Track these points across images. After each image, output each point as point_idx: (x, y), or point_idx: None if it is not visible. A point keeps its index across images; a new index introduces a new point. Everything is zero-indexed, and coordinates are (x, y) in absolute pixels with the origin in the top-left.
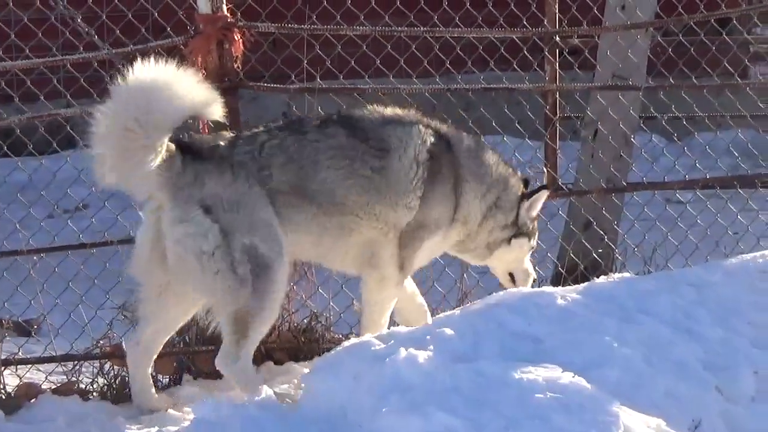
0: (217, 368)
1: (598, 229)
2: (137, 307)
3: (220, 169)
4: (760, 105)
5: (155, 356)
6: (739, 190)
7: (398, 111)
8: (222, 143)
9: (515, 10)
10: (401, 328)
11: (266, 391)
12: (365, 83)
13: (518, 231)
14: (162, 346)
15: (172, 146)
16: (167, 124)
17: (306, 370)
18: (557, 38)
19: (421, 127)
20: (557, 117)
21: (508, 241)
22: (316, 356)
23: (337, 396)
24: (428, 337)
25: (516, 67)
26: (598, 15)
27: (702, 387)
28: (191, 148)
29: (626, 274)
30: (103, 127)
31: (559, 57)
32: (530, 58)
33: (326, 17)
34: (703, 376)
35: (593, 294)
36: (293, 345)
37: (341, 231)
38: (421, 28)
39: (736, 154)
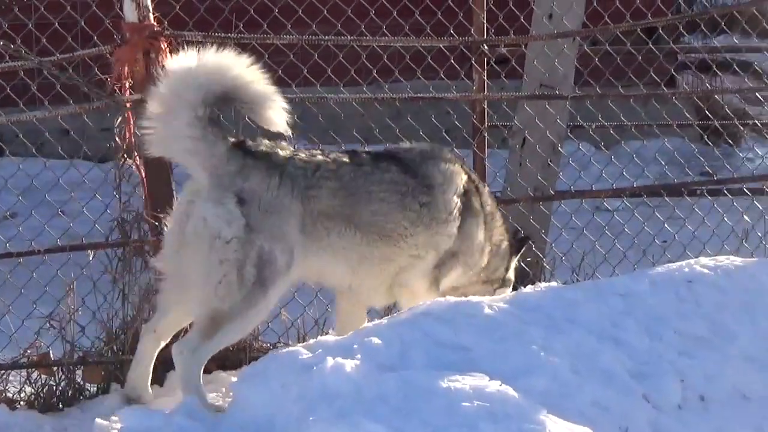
0: (171, 352)
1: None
2: (157, 297)
3: (269, 172)
4: (687, 114)
5: (164, 344)
6: (666, 199)
7: (434, 146)
8: (280, 151)
9: (442, 18)
10: (329, 338)
11: (194, 399)
12: (292, 92)
13: (501, 285)
14: (172, 336)
15: (225, 135)
16: (208, 99)
17: (234, 379)
18: (484, 47)
19: (458, 163)
20: (485, 126)
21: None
22: (243, 365)
23: (265, 405)
24: (355, 346)
25: (443, 76)
26: (526, 24)
27: (629, 395)
28: (244, 145)
29: (553, 284)
30: (157, 101)
31: (486, 66)
32: (457, 67)
33: (253, 26)
34: (630, 384)
35: (520, 303)
36: (221, 354)
37: (381, 260)
38: (348, 37)
39: (663, 163)
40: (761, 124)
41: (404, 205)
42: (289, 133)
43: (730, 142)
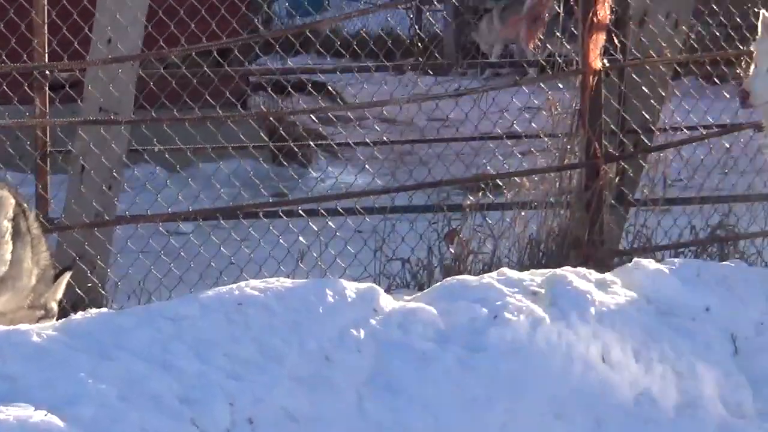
0: None
1: (82, 265)
2: None
3: None
4: (262, 135)
5: None
6: (242, 220)
7: None
8: None
9: None
10: None
11: None
12: None
13: (45, 315)
14: None
15: None
16: None
17: None
18: (45, 72)
19: (6, 188)
20: (44, 152)
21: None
22: None
23: None
24: None
25: None
26: (82, 51)
27: (178, 420)
28: None
29: (104, 309)
30: None
31: (44, 91)
32: (9, 93)
33: None
34: (179, 409)
35: (69, 330)
36: None
37: None
38: None
39: (238, 184)
40: (335, 144)
41: None
42: None
43: (303, 161)
